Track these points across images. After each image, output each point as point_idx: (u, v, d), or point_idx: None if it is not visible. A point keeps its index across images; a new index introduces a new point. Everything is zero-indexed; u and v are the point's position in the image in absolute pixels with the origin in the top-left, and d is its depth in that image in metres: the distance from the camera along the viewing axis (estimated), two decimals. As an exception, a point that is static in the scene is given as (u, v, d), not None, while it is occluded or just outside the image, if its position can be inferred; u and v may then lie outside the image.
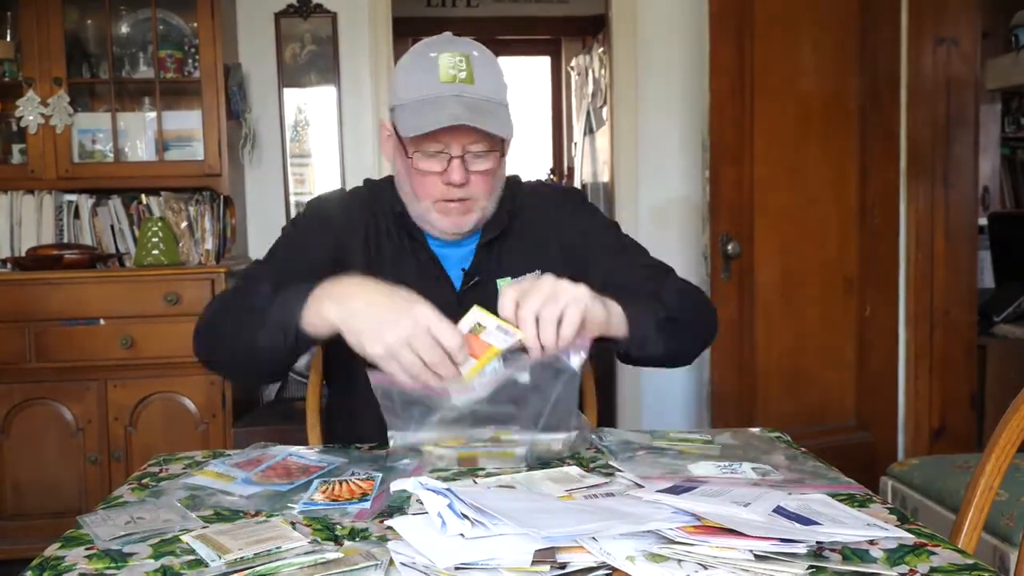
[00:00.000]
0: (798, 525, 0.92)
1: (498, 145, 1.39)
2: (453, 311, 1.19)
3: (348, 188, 1.59)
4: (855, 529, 0.92)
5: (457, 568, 0.82)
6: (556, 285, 1.15)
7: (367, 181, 1.57)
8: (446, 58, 1.34)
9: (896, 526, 0.96)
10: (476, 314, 1.15)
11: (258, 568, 0.84)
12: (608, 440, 1.31)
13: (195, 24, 3.18)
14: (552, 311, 1.12)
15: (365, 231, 1.47)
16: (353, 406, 1.49)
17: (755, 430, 1.41)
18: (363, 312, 1.13)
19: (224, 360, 1.38)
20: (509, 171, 1.51)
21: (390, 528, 0.94)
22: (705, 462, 1.17)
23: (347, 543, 0.93)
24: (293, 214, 3.51)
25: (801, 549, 0.85)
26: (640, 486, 1.07)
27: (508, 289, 1.16)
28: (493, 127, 1.33)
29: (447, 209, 1.40)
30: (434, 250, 1.47)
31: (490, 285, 1.45)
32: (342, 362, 1.45)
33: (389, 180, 1.52)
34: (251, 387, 3.36)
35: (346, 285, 1.18)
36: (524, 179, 1.60)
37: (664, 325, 1.31)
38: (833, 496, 1.04)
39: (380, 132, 1.49)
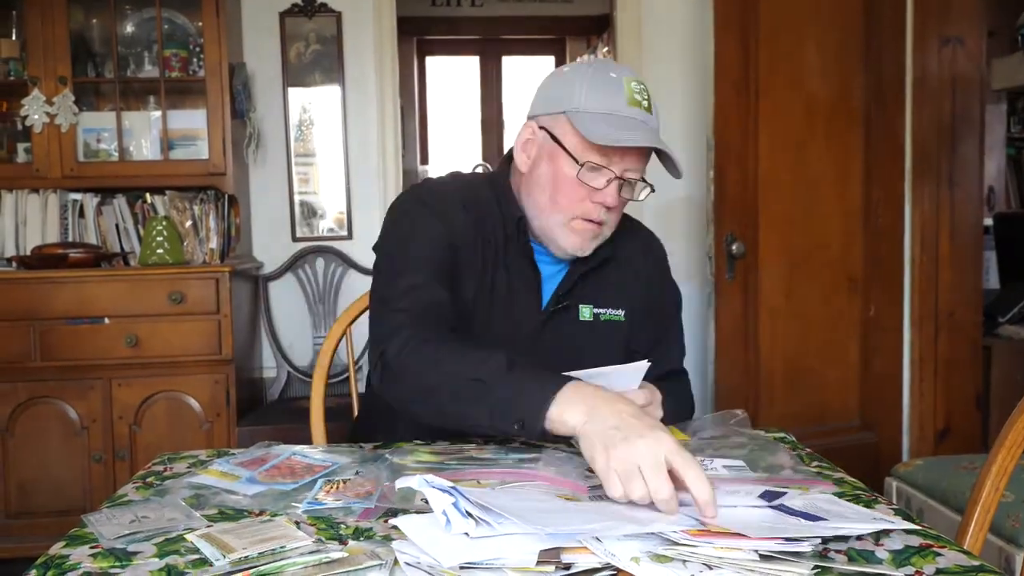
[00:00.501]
0: (804, 521, 0.92)
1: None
2: (536, 327, 1.25)
3: (463, 173, 1.55)
4: (861, 523, 0.92)
5: (462, 567, 0.82)
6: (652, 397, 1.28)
7: (490, 176, 1.53)
8: (631, 83, 1.35)
9: (901, 528, 0.95)
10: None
11: (262, 567, 0.84)
12: None
13: (200, 23, 3.18)
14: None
15: (480, 228, 1.43)
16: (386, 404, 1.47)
17: (755, 431, 1.41)
18: (608, 422, 1.04)
19: (416, 408, 1.27)
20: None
21: (395, 527, 0.94)
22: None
23: (351, 542, 0.92)
24: (297, 214, 3.52)
25: (806, 548, 0.85)
26: None
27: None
28: (678, 163, 1.36)
29: (582, 228, 1.38)
30: (537, 264, 1.45)
31: (573, 310, 1.46)
32: None
33: (504, 179, 1.48)
34: (259, 390, 3.38)
35: (592, 391, 1.10)
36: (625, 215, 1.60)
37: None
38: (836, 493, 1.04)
39: (522, 131, 1.43)
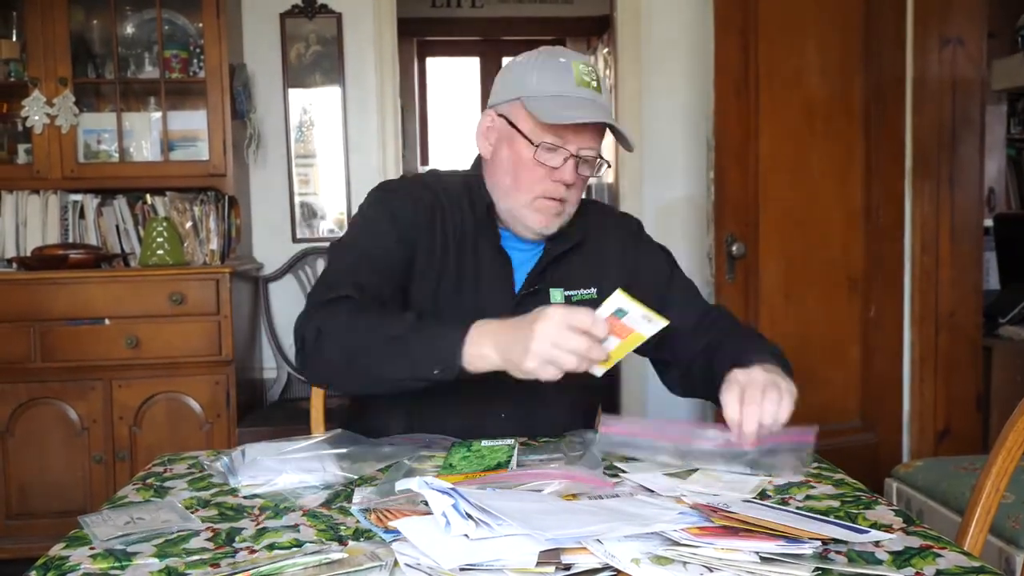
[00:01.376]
0: (810, 520, 0.92)
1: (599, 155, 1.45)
2: (508, 311, 1.26)
3: (439, 171, 1.59)
4: (861, 535, 0.92)
5: (462, 569, 0.82)
6: (771, 379, 1.25)
7: (465, 171, 1.58)
8: (579, 65, 1.42)
9: (901, 529, 0.95)
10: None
11: (262, 568, 0.84)
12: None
13: (200, 24, 3.18)
14: (771, 409, 1.21)
15: (443, 221, 1.48)
16: (379, 402, 1.50)
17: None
18: (511, 338, 1.16)
19: (339, 380, 1.36)
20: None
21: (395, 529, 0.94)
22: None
23: (351, 543, 0.92)
24: (297, 215, 3.52)
25: (807, 550, 0.85)
26: (649, 490, 1.08)
27: (732, 386, 1.22)
28: (628, 134, 1.43)
29: (544, 207, 1.43)
30: (505, 249, 1.49)
31: (545, 294, 1.49)
32: None
33: (478, 175, 1.53)
34: (259, 391, 3.38)
35: (491, 324, 1.20)
36: (592, 199, 1.66)
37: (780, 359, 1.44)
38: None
39: (482, 120, 1.50)
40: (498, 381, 1.20)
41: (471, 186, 1.52)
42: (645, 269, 1.58)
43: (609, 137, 1.47)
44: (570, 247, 1.51)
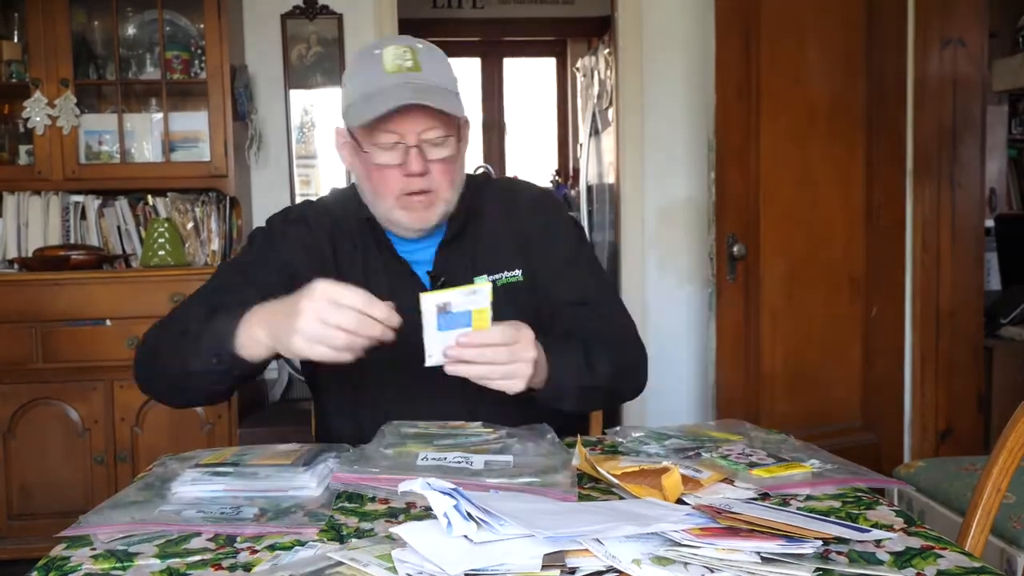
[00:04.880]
0: (812, 520, 0.92)
1: (453, 130, 1.37)
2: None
3: (311, 199, 1.58)
4: (863, 534, 0.92)
5: (466, 574, 0.81)
6: (518, 335, 1.17)
7: (333, 190, 1.58)
8: (390, 50, 1.35)
9: (902, 530, 0.95)
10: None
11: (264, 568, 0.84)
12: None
13: (202, 25, 3.18)
14: (502, 364, 1.16)
15: (330, 241, 1.46)
16: (350, 407, 1.48)
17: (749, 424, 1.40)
18: (278, 318, 1.16)
19: (160, 387, 1.40)
20: (512, 172, 1.51)
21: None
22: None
23: (354, 541, 0.93)
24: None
25: (808, 550, 0.85)
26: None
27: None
28: (444, 106, 1.31)
29: (410, 204, 1.38)
30: (401, 254, 1.45)
31: (459, 283, 1.42)
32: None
33: (354, 187, 1.49)
34: (260, 392, 3.37)
35: (265, 306, 1.20)
36: (505, 177, 1.59)
37: (585, 392, 1.32)
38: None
39: (336, 140, 1.46)
40: (465, 383, 1.17)
41: (347, 203, 1.48)
42: (560, 249, 1.50)
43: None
44: (460, 231, 1.45)
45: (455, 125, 1.38)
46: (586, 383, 1.31)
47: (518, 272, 1.46)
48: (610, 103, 4.34)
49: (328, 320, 1.10)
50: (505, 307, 1.26)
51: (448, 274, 1.43)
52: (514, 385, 1.18)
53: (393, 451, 1.17)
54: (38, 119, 3.10)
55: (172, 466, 1.17)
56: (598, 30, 6.11)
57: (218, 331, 1.21)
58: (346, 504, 1.07)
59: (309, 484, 1.09)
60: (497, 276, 1.45)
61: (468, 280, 1.37)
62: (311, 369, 1.52)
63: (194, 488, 1.08)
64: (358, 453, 1.18)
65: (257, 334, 1.18)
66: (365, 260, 1.45)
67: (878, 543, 0.91)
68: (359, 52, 1.42)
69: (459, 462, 1.11)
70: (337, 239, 1.46)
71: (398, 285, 1.41)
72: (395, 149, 1.34)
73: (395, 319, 1.14)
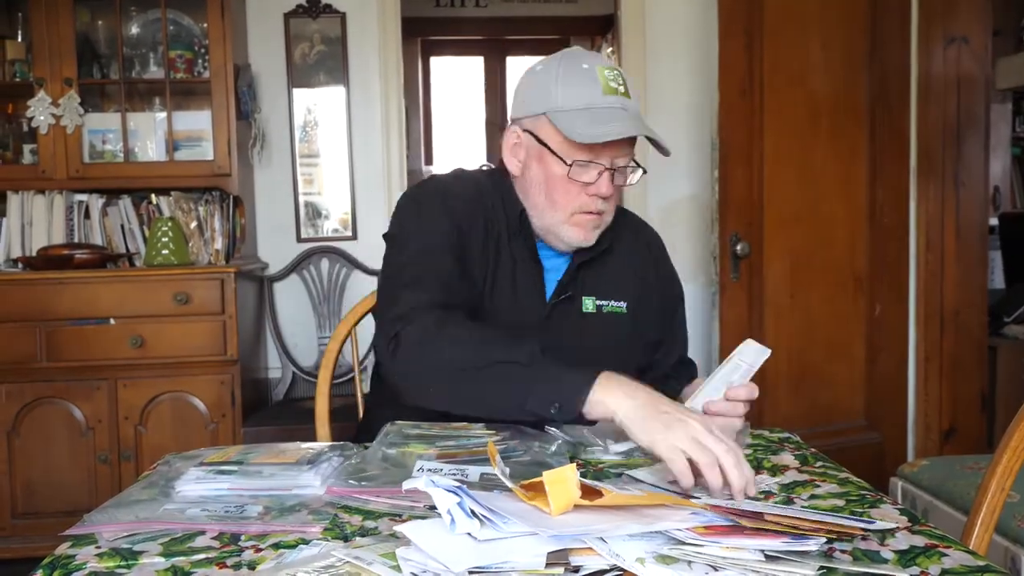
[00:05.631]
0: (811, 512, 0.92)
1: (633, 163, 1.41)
2: (540, 318, 1.29)
3: (467, 170, 1.55)
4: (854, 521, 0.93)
5: (470, 572, 0.81)
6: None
7: (491, 172, 1.53)
8: (604, 71, 1.35)
9: (906, 528, 0.95)
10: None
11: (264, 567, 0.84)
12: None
13: (205, 24, 3.18)
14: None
15: (486, 222, 1.44)
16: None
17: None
18: (648, 406, 1.10)
19: (437, 395, 1.28)
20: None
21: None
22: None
23: (359, 540, 0.93)
24: (302, 215, 3.52)
25: (812, 548, 0.85)
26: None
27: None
28: (662, 141, 1.36)
29: (583, 222, 1.40)
30: (541, 258, 1.47)
31: (577, 301, 1.47)
32: None
33: (503, 177, 1.49)
34: (264, 391, 3.38)
35: (626, 380, 1.16)
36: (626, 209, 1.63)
37: None
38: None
39: (507, 136, 1.44)
40: None
41: (504, 190, 1.47)
42: (660, 295, 1.57)
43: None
44: (598, 254, 1.48)
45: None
46: None
47: (623, 304, 1.50)
48: (613, 102, 4.33)
49: (694, 451, 1.03)
50: (606, 334, 1.30)
51: (573, 290, 1.46)
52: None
53: (396, 451, 1.17)
54: (42, 118, 3.10)
55: (176, 465, 1.17)
56: (601, 29, 6.11)
57: (565, 383, 1.16)
58: (350, 503, 1.07)
59: (313, 483, 1.09)
60: (604, 303, 1.49)
61: (582, 297, 1.47)
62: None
63: (198, 486, 1.08)
64: (360, 455, 1.18)
65: (609, 406, 1.13)
66: (510, 250, 1.45)
67: (882, 541, 0.91)
68: (563, 62, 1.39)
69: (454, 474, 1.10)
70: (493, 221, 1.45)
71: (526, 284, 1.44)
72: (590, 168, 1.36)
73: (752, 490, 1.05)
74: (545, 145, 1.37)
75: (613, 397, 1.13)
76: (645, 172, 1.43)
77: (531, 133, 1.40)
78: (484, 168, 1.57)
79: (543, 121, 1.37)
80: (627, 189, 1.50)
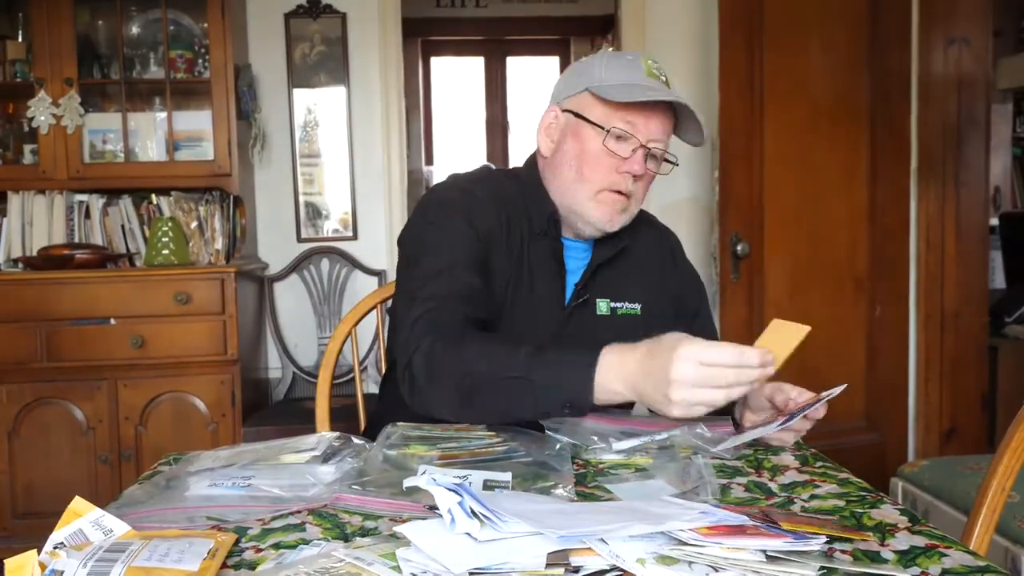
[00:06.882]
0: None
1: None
2: (559, 322, 1.30)
3: (492, 169, 1.57)
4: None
5: (470, 573, 0.81)
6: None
7: (515, 172, 1.53)
8: (647, 60, 1.39)
9: (906, 528, 0.95)
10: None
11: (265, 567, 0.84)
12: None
13: (205, 24, 3.19)
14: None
15: (510, 226, 1.43)
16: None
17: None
18: (643, 380, 1.12)
19: (460, 416, 1.28)
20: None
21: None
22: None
23: (359, 540, 0.93)
24: (302, 215, 3.52)
25: (814, 547, 0.85)
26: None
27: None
28: (698, 120, 1.39)
29: (609, 200, 1.39)
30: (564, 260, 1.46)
31: (591, 304, 1.46)
32: None
33: (531, 172, 1.49)
34: (264, 390, 3.38)
35: (620, 355, 1.15)
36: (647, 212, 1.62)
37: None
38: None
39: (544, 117, 1.46)
40: None
41: (527, 190, 1.47)
42: (681, 296, 1.58)
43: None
44: (616, 253, 1.47)
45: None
46: None
47: (637, 306, 1.50)
48: (613, 102, 4.33)
49: (704, 383, 1.07)
50: (620, 337, 1.31)
51: (590, 293, 1.46)
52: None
53: (397, 453, 1.17)
54: (42, 118, 3.10)
55: (176, 465, 1.17)
56: (601, 29, 6.11)
57: (569, 381, 1.16)
58: (350, 503, 1.07)
59: (314, 482, 1.09)
60: (618, 305, 1.49)
61: (596, 300, 1.47)
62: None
63: (199, 486, 1.08)
64: (363, 456, 1.18)
65: (616, 388, 1.14)
66: (535, 252, 1.44)
67: (883, 541, 0.91)
68: (607, 52, 1.45)
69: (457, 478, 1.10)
70: (519, 221, 1.44)
71: (547, 288, 1.44)
72: (626, 141, 1.37)
73: (769, 359, 1.15)
74: (583, 118, 1.39)
75: (617, 384, 1.14)
76: (677, 165, 1.44)
77: (570, 111, 1.42)
78: (509, 169, 1.57)
79: (585, 96, 1.40)
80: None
